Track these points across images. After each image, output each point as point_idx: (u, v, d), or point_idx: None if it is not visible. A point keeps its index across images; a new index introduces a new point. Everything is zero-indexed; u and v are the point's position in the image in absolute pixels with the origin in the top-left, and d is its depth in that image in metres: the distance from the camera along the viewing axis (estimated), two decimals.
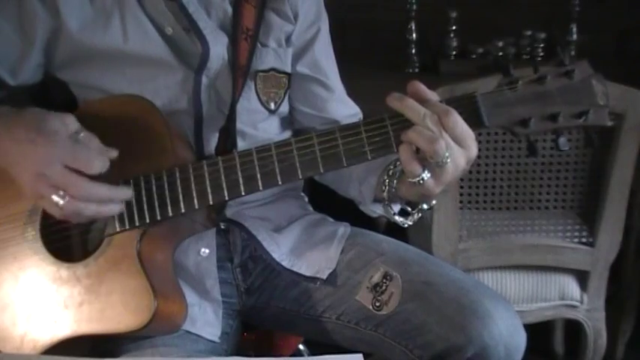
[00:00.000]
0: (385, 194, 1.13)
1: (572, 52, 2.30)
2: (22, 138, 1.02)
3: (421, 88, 1.00)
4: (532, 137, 1.01)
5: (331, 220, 1.38)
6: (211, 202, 1.07)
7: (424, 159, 0.99)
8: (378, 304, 1.21)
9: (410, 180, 1.01)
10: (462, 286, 1.19)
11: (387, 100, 0.99)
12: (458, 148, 0.98)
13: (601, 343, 1.82)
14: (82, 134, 1.04)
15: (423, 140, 0.97)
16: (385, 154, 1.03)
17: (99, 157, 1.03)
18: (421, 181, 1.00)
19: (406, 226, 1.14)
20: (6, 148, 1.03)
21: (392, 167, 1.11)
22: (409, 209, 1.13)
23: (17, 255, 1.10)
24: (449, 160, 0.97)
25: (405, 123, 1.00)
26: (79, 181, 1.01)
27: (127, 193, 1.06)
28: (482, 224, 1.74)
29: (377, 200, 1.21)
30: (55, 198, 1.01)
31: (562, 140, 1.01)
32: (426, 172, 0.99)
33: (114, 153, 1.05)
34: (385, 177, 1.12)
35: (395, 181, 1.11)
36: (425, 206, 1.11)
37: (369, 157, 1.02)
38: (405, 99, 0.98)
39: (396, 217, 1.14)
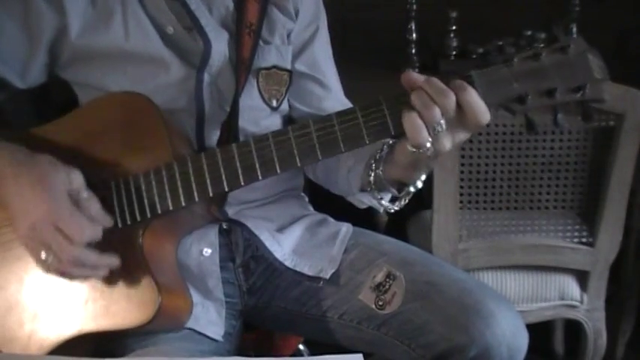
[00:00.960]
0: (372, 178, 1.12)
1: None
2: (26, 185, 1.03)
3: (414, 77, 1.00)
4: (529, 114, 1.01)
5: (333, 220, 1.38)
6: (211, 194, 1.07)
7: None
8: (381, 303, 1.21)
9: (411, 149, 1.00)
10: (464, 286, 1.20)
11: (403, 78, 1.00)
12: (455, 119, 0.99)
13: (601, 343, 1.81)
14: (84, 195, 1.04)
15: (421, 104, 0.97)
16: (382, 137, 1.03)
17: (90, 227, 1.03)
18: (425, 150, 1.00)
19: (392, 211, 1.14)
20: (8, 189, 1.04)
21: (379, 151, 1.11)
22: (396, 193, 1.13)
23: (21, 256, 1.09)
24: (444, 127, 0.98)
25: (401, 106, 0.99)
26: (67, 246, 1.01)
27: (114, 261, 1.05)
28: (482, 224, 1.74)
29: (363, 190, 1.21)
30: (42, 255, 1.02)
31: (560, 116, 1.00)
32: (429, 142, 0.99)
33: (109, 221, 1.06)
34: (372, 161, 1.12)
35: (382, 164, 1.11)
36: (412, 189, 1.10)
37: (367, 142, 1.02)
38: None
39: (384, 202, 1.14)
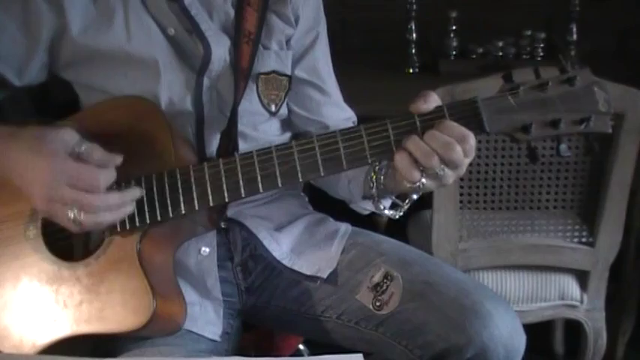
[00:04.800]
0: (374, 191, 1.12)
1: (572, 53, 2.30)
2: (23, 161, 1.02)
3: (422, 108, 1.00)
4: (533, 143, 1.02)
5: (332, 219, 1.38)
6: (212, 204, 1.07)
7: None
8: (378, 303, 1.21)
9: (407, 185, 1.01)
10: (462, 287, 1.20)
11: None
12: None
13: (601, 343, 1.81)
14: (83, 147, 1.03)
15: (419, 152, 0.98)
16: (386, 158, 1.03)
17: (102, 172, 1.02)
18: (420, 186, 1.01)
19: (397, 217, 1.14)
20: (10, 167, 1.03)
21: (377, 163, 1.11)
22: (399, 202, 1.13)
23: (18, 254, 1.10)
24: (445, 170, 0.99)
25: (406, 127, 1.00)
26: (88, 197, 1.01)
27: (136, 192, 1.06)
28: (482, 224, 1.74)
29: (366, 197, 1.22)
30: (70, 215, 1.01)
31: (563, 147, 1.02)
32: (424, 177, 1.00)
33: (118, 159, 1.05)
34: (372, 173, 1.12)
35: (382, 177, 1.11)
36: (415, 196, 1.11)
37: (369, 161, 1.03)
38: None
39: (386, 212, 1.14)
